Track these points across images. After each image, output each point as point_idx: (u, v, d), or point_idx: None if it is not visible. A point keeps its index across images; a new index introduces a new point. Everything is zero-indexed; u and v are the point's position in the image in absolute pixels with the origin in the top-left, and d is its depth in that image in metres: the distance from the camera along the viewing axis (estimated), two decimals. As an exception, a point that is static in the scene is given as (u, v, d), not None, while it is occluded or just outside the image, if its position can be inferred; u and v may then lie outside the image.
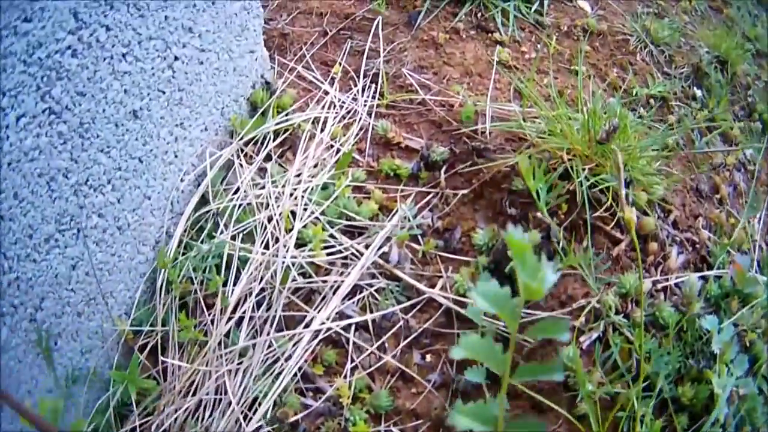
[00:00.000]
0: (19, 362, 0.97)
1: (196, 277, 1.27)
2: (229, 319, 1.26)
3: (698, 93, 1.77)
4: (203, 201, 1.41)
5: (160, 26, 1.18)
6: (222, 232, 1.33)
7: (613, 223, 1.28)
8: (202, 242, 1.32)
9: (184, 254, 1.30)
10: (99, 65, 1.02)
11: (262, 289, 1.30)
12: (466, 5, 1.74)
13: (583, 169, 1.27)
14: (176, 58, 1.25)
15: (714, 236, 1.42)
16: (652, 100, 1.65)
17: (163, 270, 1.25)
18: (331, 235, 1.31)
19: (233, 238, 1.34)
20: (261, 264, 1.29)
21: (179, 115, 1.31)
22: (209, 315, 1.26)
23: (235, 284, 1.28)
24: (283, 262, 1.27)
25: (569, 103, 1.50)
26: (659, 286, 1.25)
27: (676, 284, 1.27)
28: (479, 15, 1.75)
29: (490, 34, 1.70)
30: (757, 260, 1.46)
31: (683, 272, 1.29)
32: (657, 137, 1.36)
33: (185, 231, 1.35)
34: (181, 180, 1.36)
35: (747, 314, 1.25)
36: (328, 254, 1.31)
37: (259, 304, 1.29)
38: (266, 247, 1.31)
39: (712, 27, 2.03)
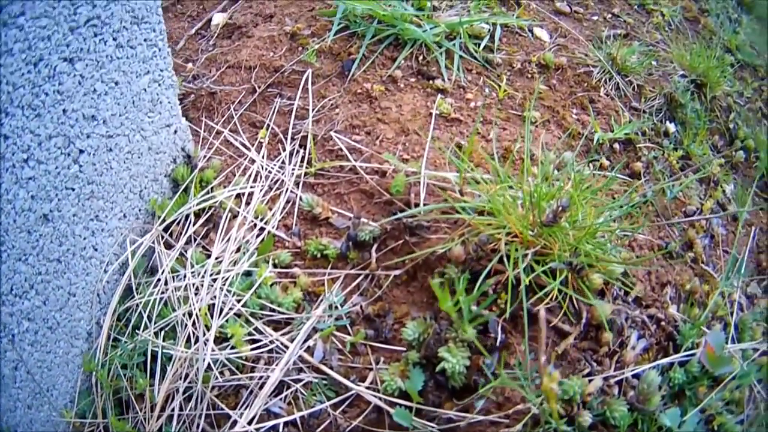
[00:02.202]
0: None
1: (125, 374, 1.21)
2: (159, 416, 1.19)
3: (672, 128, 1.58)
4: (129, 291, 1.31)
5: (59, 122, 1.09)
6: (146, 328, 1.24)
7: (560, 314, 1.12)
8: (128, 338, 1.25)
9: (114, 347, 1.26)
10: (2, 177, 0.98)
11: (189, 387, 1.20)
12: (406, 48, 1.58)
13: (525, 255, 1.12)
14: (81, 152, 1.16)
15: (685, 307, 1.26)
16: (616, 145, 1.48)
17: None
18: (256, 329, 1.20)
19: (156, 334, 1.24)
20: (185, 361, 1.20)
21: (93, 209, 1.23)
22: (141, 411, 1.20)
23: (161, 382, 1.20)
24: (205, 360, 1.17)
25: (516, 162, 1.35)
26: (613, 381, 1.10)
27: (633, 376, 1.11)
28: (420, 58, 1.59)
29: (431, 81, 1.54)
30: (734, 324, 1.30)
31: (643, 362, 1.13)
32: (616, 206, 1.19)
33: (112, 326, 1.29)
34: (105, 271, 1.28)
35: (716, 397, 1.10)
36: (253, 348, 1.20)
37: (187, 401, 1.21)
38: (188, 343, 1.21)
39: (688, 43, 1.83)
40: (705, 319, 1.20)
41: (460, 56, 1.58)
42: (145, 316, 1.24)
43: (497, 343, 1.10)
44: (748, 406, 1.15)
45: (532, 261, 1.12)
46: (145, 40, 1.26)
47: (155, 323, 1.24)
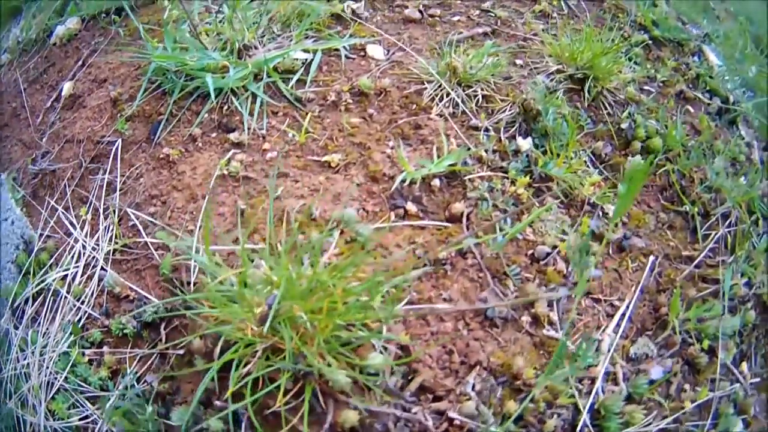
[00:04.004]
0: None
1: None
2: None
3: (525, 145, 1.26)
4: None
5: None
6: (11, 398, 1.31)
7: (301, 413, 0.89)
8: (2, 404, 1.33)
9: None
10: None
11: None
12: (210, 101, 1.40)
13: (255, 351, 0.91)
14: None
15: (501, 395, 0.95)
16: (436, 181, 1.19)
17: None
18: (77, 401, 1.22)
19: (17, 405, 1.30)
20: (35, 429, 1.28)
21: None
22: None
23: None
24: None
25: (305, 225, 1.12)
26: None
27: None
28: (225, 108, 1.40)
29: (230, 134, 1.34)
30: (589, 412, 0.97)
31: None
32: (364, 288, 0.93)
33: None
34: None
35: None
36: (80, 419, 1.22)
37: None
38: (34, 412, 1.26)
39: (580, 29, 1.47)
40: (526, 412, 0.90)
41: (264, 99, 1.37)
42: (11, 388, 1.31)
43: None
44: None
45: (263, 357, 0.90)
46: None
47: (17, 395, 1.29)
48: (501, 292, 1.08)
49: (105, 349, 1.23)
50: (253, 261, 1.05)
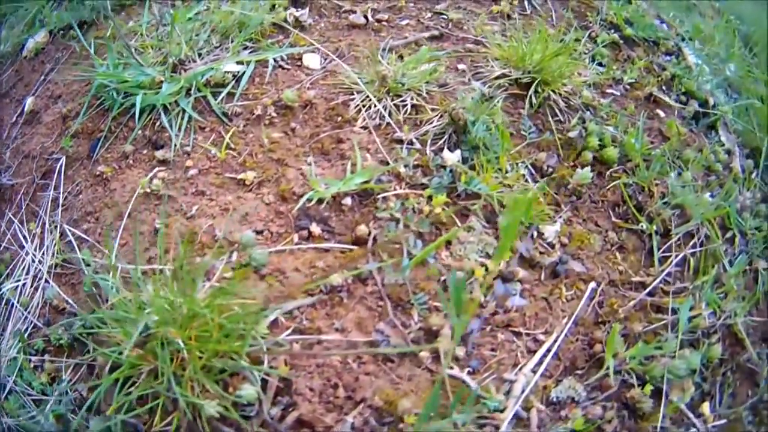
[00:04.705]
0: None
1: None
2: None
3: (452, 158, 1.15)
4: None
5: None
6: None
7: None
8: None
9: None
10: None
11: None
12: (144, 117, 1.38)
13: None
14: None
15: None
16: (348, 200, 1.11)
17: None
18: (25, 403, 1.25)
19: None
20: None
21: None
22: None
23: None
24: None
25: (207, 245, 1.08)
26: None
27: None
28: (156, 125, 1.38)
29: (158, 152, 1.32)
30: None
31: None
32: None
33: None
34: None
35: None
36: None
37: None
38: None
39: (543, 29, 1.34)
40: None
41: (191, 115, 1.34)
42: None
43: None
44: None
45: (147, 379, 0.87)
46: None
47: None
48: (403, 323, 0.99)
49: (46, 357, 1.26)
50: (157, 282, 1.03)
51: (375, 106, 1.24)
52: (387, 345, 0.97)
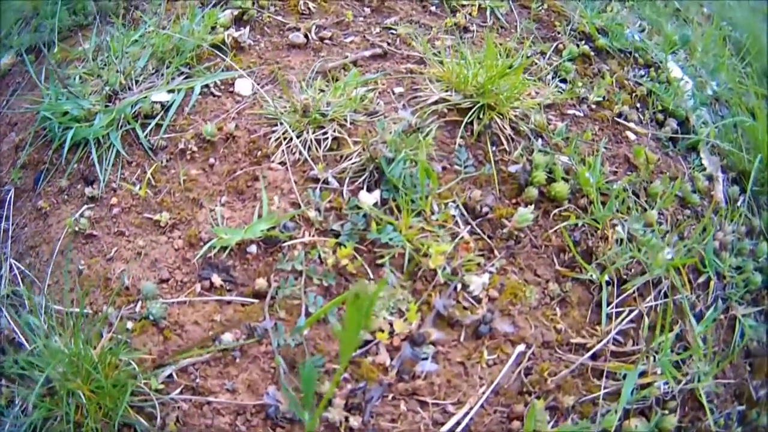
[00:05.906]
0: None
1: None
2: None
3: (369, 200, 1.03)
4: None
5: None
6: None
7: None
8: None
9: None
10: None
11: None
12: (79, 150, 1.35)
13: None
14: None
15: None
16: (254, 248, 1.02)
17: None
18: None
19: None
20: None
21: None
22: None
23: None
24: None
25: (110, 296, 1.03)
26: None
27: None
28: (89, 159, 1.34)
29: (87, 188, 1.28)
30: None
31: None
32: None
33: None
34: None
35: None
36: None
37: None
38: None
39: (500, 43, 1.19)
40: None
41: (118, 149, 1.29)
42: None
43: None
44: None
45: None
46: None
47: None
48: (296, 387, 0.90)
49: (3, 382, 1.27)
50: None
51: (301, 135, 1.14)
52: (276, 411, 0.89)
